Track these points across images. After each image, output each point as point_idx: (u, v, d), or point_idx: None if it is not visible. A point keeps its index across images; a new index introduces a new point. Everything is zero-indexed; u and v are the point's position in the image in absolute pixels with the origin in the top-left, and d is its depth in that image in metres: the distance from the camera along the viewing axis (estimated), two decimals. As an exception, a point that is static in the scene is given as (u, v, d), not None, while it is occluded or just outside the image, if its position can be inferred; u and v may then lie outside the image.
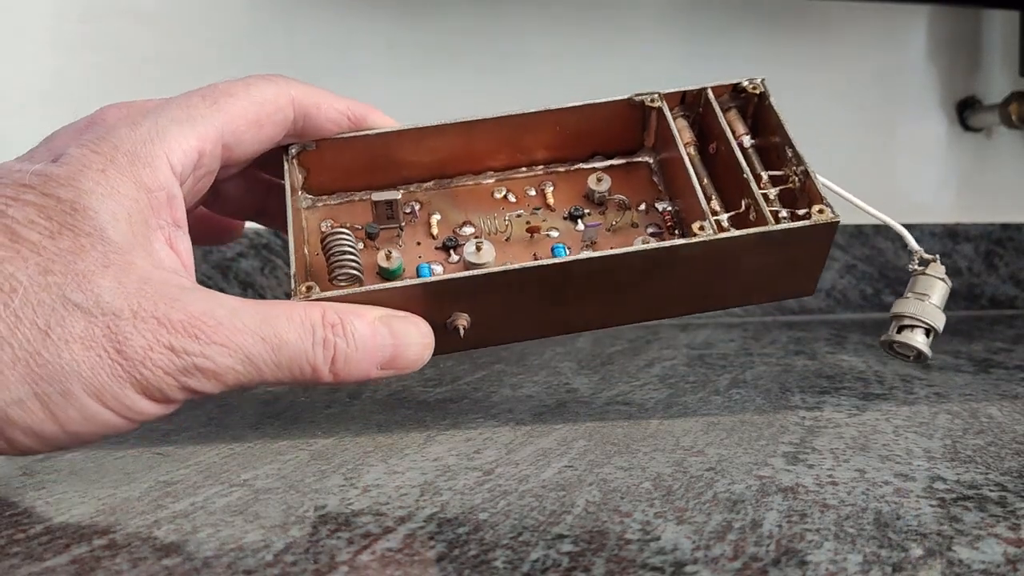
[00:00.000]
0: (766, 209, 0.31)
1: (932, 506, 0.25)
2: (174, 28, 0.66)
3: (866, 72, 0.78)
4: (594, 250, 0.32)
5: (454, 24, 0.71)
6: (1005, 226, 0.80)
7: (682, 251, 0.31)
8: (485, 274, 0.29)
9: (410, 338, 0.29)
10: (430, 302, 0.30)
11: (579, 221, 0.34)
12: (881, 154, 0.79)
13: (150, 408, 0.25)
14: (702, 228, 0.31)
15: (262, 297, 0.67)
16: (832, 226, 0.32)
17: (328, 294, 0.29)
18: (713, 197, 0.33)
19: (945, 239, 0.78)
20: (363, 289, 0.29)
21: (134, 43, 0.65)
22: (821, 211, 0.31)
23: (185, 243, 0.28)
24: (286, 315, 0.26)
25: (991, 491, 0.26)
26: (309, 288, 0.29)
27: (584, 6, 0.73)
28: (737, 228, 0.31)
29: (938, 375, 0.45)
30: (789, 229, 0.31)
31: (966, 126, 0.80)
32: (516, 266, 0.30)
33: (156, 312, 0.24)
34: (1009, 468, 0.28)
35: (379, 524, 0.24)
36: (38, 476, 0.28)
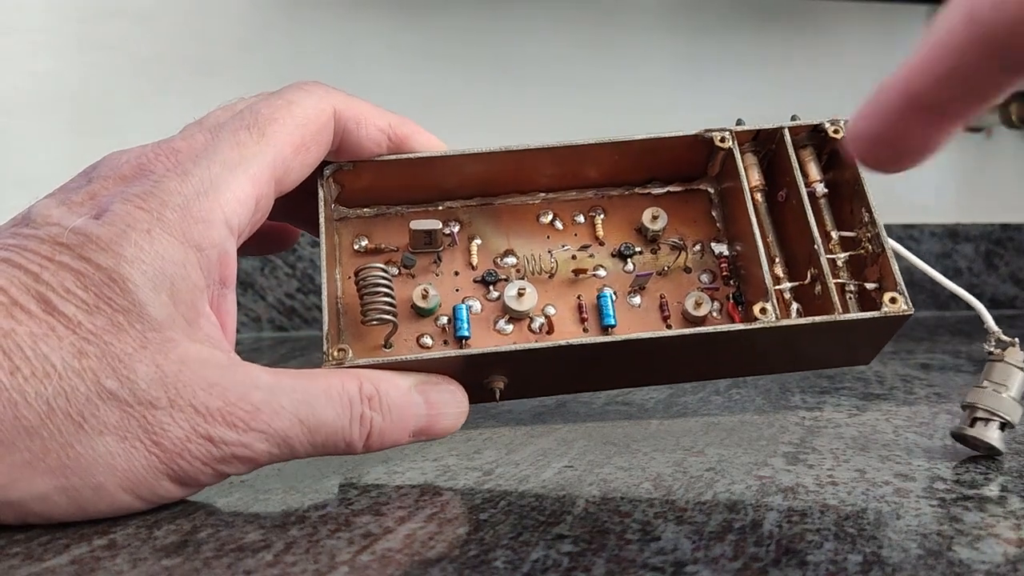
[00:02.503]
0: (834, 292, 0.30)
1: (932, 506, 0.25)
2: (173, 28, 0.66)
3: (866, 72, 0.78)
4: (642, 296, 0.32)
5: (454, 24, 0.71)
6: (1005, 226, 0.80)
7: (737, 335, 0.29)
8: (526, 349, 0.29)
9: (445, 407, 0.28)
10: (468, 368, 0.29)
11: (628, 260, 0.33)
12: (881, 154, 0.79)
13: (179, 493, 0.24)
14: (763, 311, 0.29)
15: (262, 298, 0.67)
16: (904, 318, 0.29)
17: (362, 361, 0.28)
18: (777, 258, 0.32)
19: (945, 239, 0.78)
20: (400, 359, 0.28)
21: (133, 43, 0.65)
22: (894, 300, 0.29)
23: (229, 303, 0.26)
24: (324, 392, 0.25)
25: (991, 491, 0.26)
26: (342, 352, 0.28)
27: (583, 5, 0.73)
28: (799, 303, 0.31)
29: (938, 375, 0.45)
30: (856, 320, 0.29)
31: (966, 126, 0.80)
32: (561, 343, 0.29)
33: (194, 400, 0.23)
34: (1009, 468, 0.28)
35: (379, 524, 0.24)
36: (38, 476, 0.28)
